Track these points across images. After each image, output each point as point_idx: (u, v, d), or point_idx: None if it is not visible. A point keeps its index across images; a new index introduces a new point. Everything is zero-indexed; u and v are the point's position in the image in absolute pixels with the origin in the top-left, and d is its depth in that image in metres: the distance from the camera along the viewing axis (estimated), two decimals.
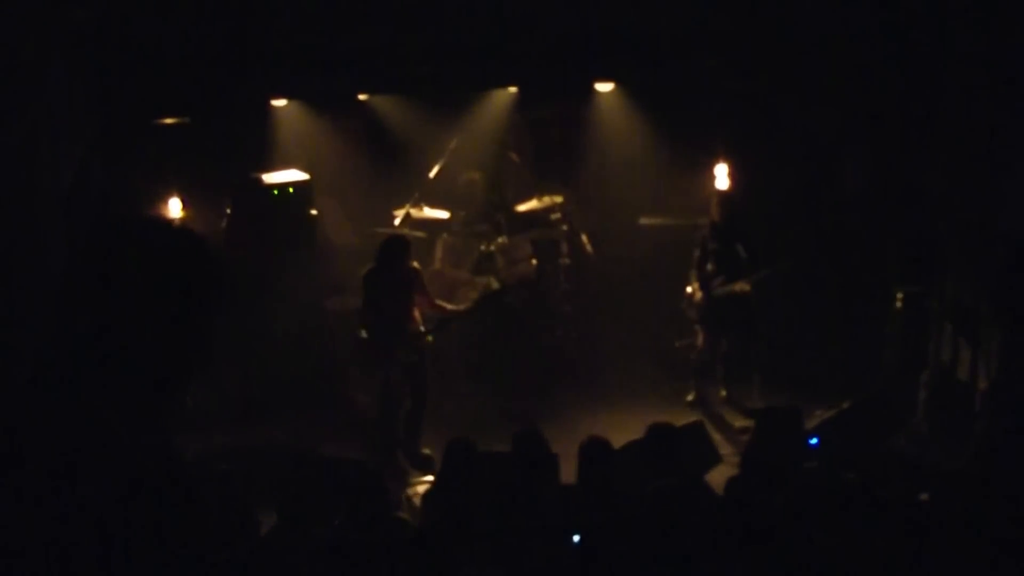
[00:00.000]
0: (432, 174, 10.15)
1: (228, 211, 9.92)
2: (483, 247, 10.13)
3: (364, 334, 7.87)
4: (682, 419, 6.97)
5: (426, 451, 7.97)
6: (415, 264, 8.08)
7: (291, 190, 9.96)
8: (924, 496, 5.09)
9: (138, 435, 1.80)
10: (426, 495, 6.81)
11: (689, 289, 9.09)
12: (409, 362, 7.86)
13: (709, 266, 8.89)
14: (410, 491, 7.47)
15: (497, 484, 6.05)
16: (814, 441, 6.58)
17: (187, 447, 1.87)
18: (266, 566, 5.01)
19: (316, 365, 9.66)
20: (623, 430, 7.46)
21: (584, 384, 9.72)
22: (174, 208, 9.06)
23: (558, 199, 10.63)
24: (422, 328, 7.98)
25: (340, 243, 11.68)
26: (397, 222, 9.95)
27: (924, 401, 7.77)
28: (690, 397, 9.16)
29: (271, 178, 10.06)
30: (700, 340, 9.13)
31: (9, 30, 5.89)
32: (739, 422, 8.49)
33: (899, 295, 8.46)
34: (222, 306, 1.90)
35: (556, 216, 10.52)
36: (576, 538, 5.23)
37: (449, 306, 8.44)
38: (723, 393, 9.13)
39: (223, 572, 4.19)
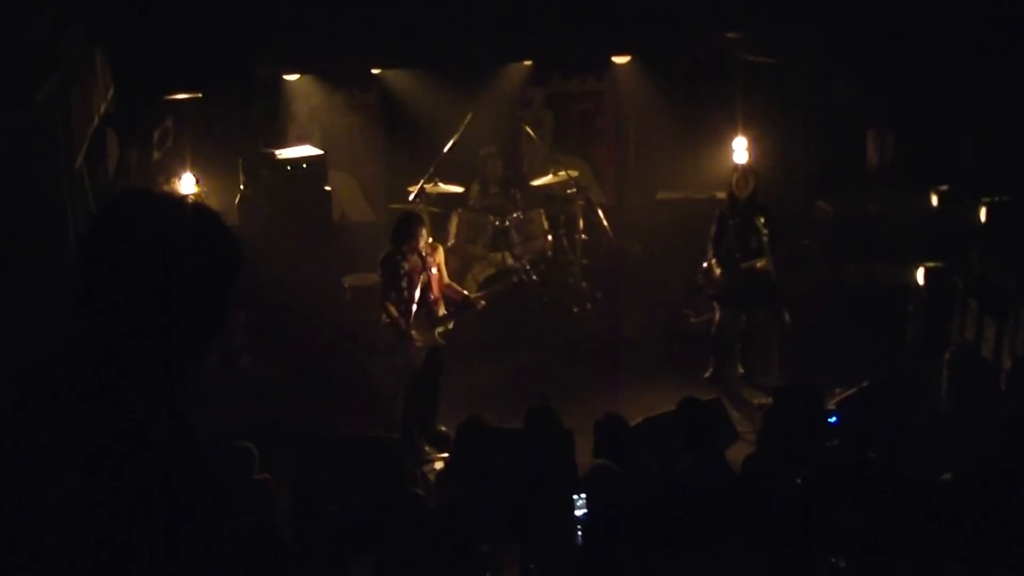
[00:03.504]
0: (447, 149, 10.12)
1: (242, 187, 9.92)
2: (498, 222, 10.10)
3: (385, 318, 7.86)
4: (699, 396, 6.92)
5: (442, 428, 7.98)
6: (431, 240, 8.04)
7: (304, 165, 9.95)
8: (947, 476, 5.07)
9: (153, 412, 1.80)
10: (441, 473, 6.84)
11: (706, 264, 9.05)
12: (432, 343, 7.86)
13: (728, 242, 8.84)
14: (426, 468, 7.50)
15: (511, 461, 6.06)
16: (834, 419, 6.55)
17: (203, 424, 1.89)
18: (283, 543, 5.03)
19: (333, 343, 9.68)
20: (639, 407, 7.49)
21: (600, 360, 9.69)
22: (188, 184, 9.06)
23: (574, 173, 10.59)
24: (443, 311, 7.96)
25: (355, 219, 11.70)
26: (412, 197, 9.93)
27: (947, 380, 7.73)
28: (707, 374, 9.12)
29: (284, 153, 10.06)
30: (718, 316, 9.10)
31: (22, 4, 5.87)
32: (757, 399, 8.45)
33: (922, 271, 8.40)
34: (237, 282, 1.89)
35: (572, 191, 10.48)
36: (582, 512, 5.25)
37: (465, 291, 8.40)
38: (741, 370, 9.10)
39: (240, 549, 4.22)
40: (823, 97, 9.98)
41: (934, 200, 9.07)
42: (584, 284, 10.55)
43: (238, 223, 9.41)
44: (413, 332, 7.71)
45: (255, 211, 9.71)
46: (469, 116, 10.22)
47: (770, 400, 7.22)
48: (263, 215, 9.69)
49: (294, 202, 9.86)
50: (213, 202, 8.67)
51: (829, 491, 5.02)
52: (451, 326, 8.09)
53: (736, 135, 10.07)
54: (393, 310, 7.74)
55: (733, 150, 9.97)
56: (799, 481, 5.29)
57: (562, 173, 10.50)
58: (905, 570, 4.56)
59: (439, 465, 7.46)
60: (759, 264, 8.63)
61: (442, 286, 7.99)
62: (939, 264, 8.42)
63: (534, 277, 8.81)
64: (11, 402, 1.79)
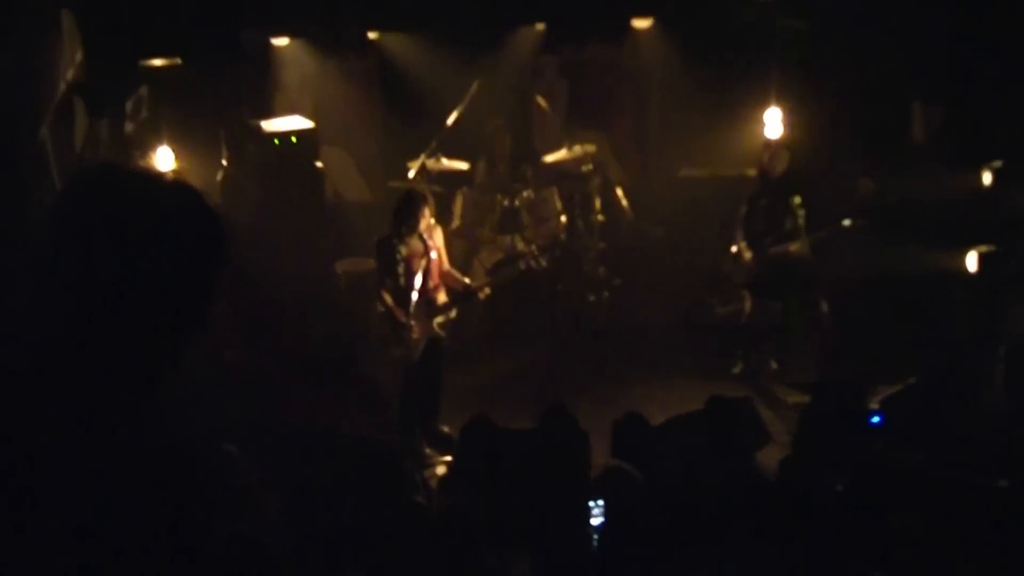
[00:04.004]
0: (451, 122, 10.09)
1: (224, 163, 9.91)
2: (507, 202, 10.08)
3: (381, 307, 7.84)
4: (728, 393, 6.90)
5: (444, 429, 7.97)
6: (432, 222, 8.01)
7: (294, 139, 9.94)
8: (1003, 483, 5.03)
9: (128, 412, 1.78)
10: (443, 478, 6.83)
11: (734, 249, 9.03)
12: (431, 335, 7.84)
13: (760, 224, 8.81)
14: (427, 473, 7.49)
15: (521, 465, 6.05)
16: (877, 420, 6.53)
17: (182, 425, 1.92)
18: (272, 554, 5.02)
19: (326, 334, 9.68)
20: (661, 405, 7.48)
21: (618, 355, 9.67)
22: (165, 159, 9.04)
23: (591, 149, 10.56)
24: (444, 300, 7.94)
25: (349, 198, 11.70)
26: (412, 175, 9.90)
27: (1003, 375, 7.68)
28: (737, 369, 9.12)
29: (272, 126, 10.04)
30: (748, 305, 9.06)
31: None
32: (792, 397, 8.41)
33: (974, 255, 8.36)
34: (221, 268, 1.86)
35: (588, 168, 10.46)
36: (598, 521, 5.23)
37: (466, 279, 8.36)
38: (774, 365, 9.08)
39: (224, 561, 4.20)
40: (865, 65, 9.91)
41: (987, 178, 9.02)
42: (601, 270, 10.55)
43: (220, 203, 9.41)
44: (412, 322, 7.67)
45: (239, 190, 9.73)
46: (475, 86, 10.19)
47: (806, 398, 7.20)
48: (248, 194, 9.70)
49: (282, 180, 9.88)
50: (193, 180, 8.63)
51: (871, 499, 4.99)
52: (453, 316, 8.06)
53: (769, 106, 10.02)
54: (389, 299, 7.71)
55: (765, 123, 9.92)
56: (838, 488, 5.26)
57: (577, 148, 10.47)
58: None
59: (442, 469, 7.47)
60: (793, 248, 8.63)
61: (441, 272, 7.96)
62: (993, 248, 8.37)
63: (544, 263, 8.77)
64: None
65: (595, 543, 5.29)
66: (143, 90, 9.57)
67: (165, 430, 1.85)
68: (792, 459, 5.89)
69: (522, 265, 8.66)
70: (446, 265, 8.09)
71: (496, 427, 6.42)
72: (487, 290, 8.26)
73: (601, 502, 5.32)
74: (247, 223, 9.22)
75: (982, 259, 8.36)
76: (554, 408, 6.32)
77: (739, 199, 9.09)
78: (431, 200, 8.07)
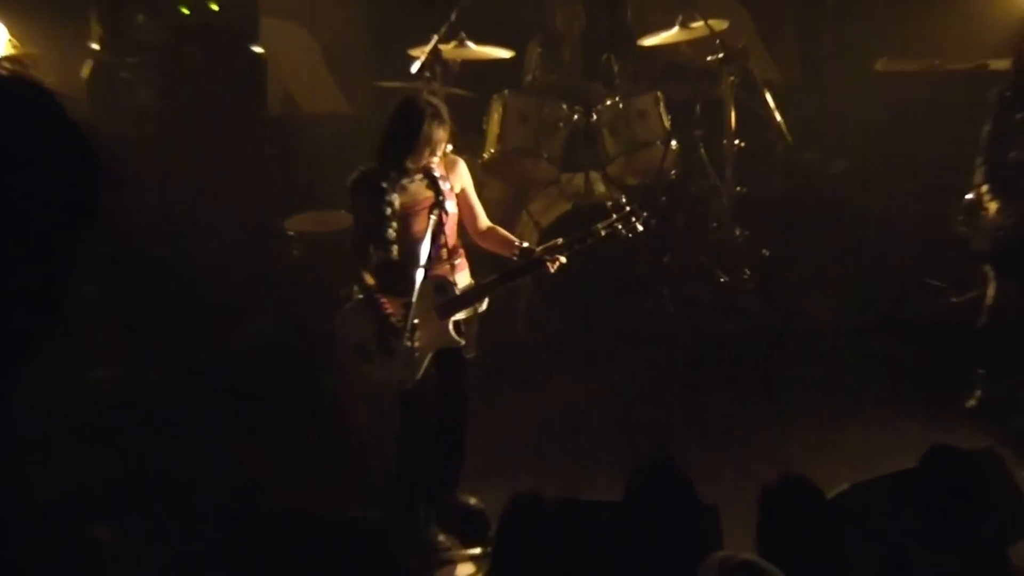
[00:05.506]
0: None
1: (95, 47, 9.96)
2: (578, 117, 10.08)
3: (360, 294, 7.83)
4: (958, 442, 6.81)
5: (471, 501, 7.98)
6: (450, 150, 7.97)
7: (214, 7, 9.95)
8: None
9: None
10: None
11: (972, 196, 8.96)
12: (444, 344, 7.80)
13: (1016, 154, 8.71)
14: (440, 573, 7.51)
15: (603, 559, 5.99)
16: None
17: (24, 491, 1.92)
18: None
19: (266, 340, 9.75)
20: (842, 461, 7.56)
21: (765, 374, 9.67)
22: None
23: (721, 26, 10.55)
24: (462, 279, 7.89)
25: (309, 109, 11.77)
26: (416, 69, 9.89)
27: None
28: (973, 400, 9.08)
29: None
30: (993, 292, 8.98)
31: None
32: None
33: None
34: (89, 222, 1.88)
35: (716, 59, 10.45)
36: None
37: (524, 243, 8.28)
38: None
39: None
40: None
41: None
42: (738, 232, 10.67)
43: (89, 113, 9.45)
44: (413, 320, 7.64)
45: (121, 91, 9.74)
46: None
47: None
48: (135, 99, 9.72)
49: (196, 77, 9.88)
50: (46, 75, 8.71)
51: None
52: (482, 309, 8.01)
53: None
54: (372, 279, 7.69)
55: None
56: None
57: (698, 26, 10.45)
58: None
59: (466, 570, 7.53)
60: None
61: (479, 231, 7.91)
62: None
63: (641, 221, 8.64)
64: None
65: None
66: None
67: (6, 499, 1.96)
68: None
69: (603, 229, 8.54)
70: (484, 221, 8.02)
71: (558, 498, 6.38)
72: (561, 258, 8.12)
73: None
74: (135, 148, 9.23)
75: None
76: (655, 465, 6.27)
77: (979, 112, 9.00)
78: (446, 114, 8.01)
